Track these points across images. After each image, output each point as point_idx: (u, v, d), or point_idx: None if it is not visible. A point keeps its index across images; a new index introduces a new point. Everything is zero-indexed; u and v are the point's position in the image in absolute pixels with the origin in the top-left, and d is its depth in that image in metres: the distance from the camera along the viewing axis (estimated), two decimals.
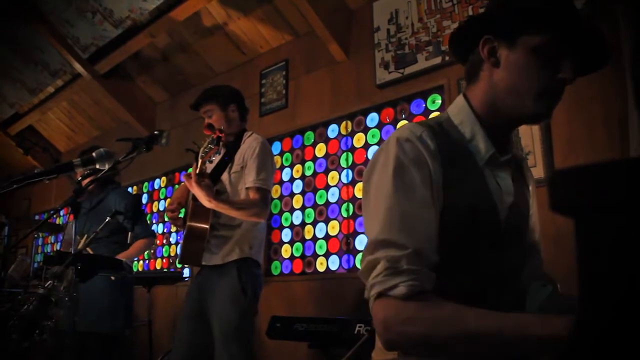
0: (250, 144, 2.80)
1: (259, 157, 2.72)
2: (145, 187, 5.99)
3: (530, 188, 1.36)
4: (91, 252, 3.27)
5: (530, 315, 0.92)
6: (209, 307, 2.71)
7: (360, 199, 3.84)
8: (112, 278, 3.18)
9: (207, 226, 2.66)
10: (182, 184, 2.91)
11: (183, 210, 2.89)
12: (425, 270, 1.02)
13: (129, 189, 6.06)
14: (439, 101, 3.57)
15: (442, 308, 0.97)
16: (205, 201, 2.51)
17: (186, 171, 3.19)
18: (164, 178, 5.76)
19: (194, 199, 2.63)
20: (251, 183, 2.67)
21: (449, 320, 0.95)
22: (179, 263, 2.92)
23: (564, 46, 1.12)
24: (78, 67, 5.44)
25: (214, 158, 2.72)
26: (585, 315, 0.68)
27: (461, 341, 0.93)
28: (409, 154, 1.09)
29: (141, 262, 5.78)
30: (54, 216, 3.17)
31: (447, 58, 3.42)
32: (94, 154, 2.11)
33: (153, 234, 3.79)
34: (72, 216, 3.00)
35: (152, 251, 5.61)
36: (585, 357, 0.66)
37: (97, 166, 2.10)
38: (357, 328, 2.79)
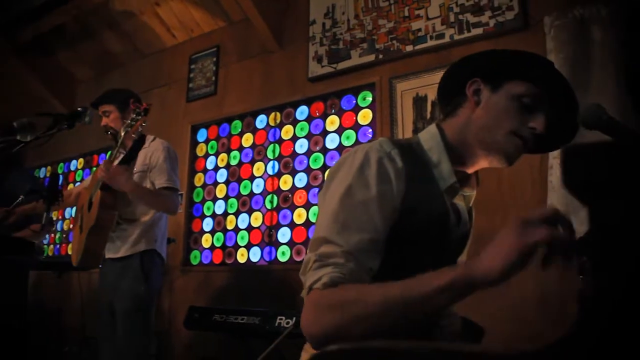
0: (156, 147, 2.88)
1: (168, 160, 2.83)
2: (61, 168, 5.70)
3: (471, 234, 1.41)
4: None
5: (426, 274, 0.94)
6: (114, 297, 2.74)
7: (285, 191, 3.85)
8: None
9: (115, 213, 2.67)
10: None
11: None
12: (354, 267, 1.02)
13: (43, 170, 5.76)
14: (369, 98, 3.60)
15: (348, 290, 0.98)
16: (127, 185, 2.52)
17: (106, 155, 3.15)
18: (81, 160, 5.49)
19: (103, 188, 2.60)
20: (165, 183, 2.77)
21: (355, 301, 0.95)
22: (77, 264, 2.78)
23: (541, 101, 1.23)
24: None
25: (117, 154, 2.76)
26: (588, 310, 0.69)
27: (368, 319, 0.93)
28: (373, 166, 1.13)
29: (52, 246, 5.49)
30: None
31: (380, 56, 3.46)
32: (14, 124, 1.96)
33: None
34: None
35: (64, 235, 5.35)
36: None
37: (18, 137, 1.96)
38: (277, 320, 2.78)
